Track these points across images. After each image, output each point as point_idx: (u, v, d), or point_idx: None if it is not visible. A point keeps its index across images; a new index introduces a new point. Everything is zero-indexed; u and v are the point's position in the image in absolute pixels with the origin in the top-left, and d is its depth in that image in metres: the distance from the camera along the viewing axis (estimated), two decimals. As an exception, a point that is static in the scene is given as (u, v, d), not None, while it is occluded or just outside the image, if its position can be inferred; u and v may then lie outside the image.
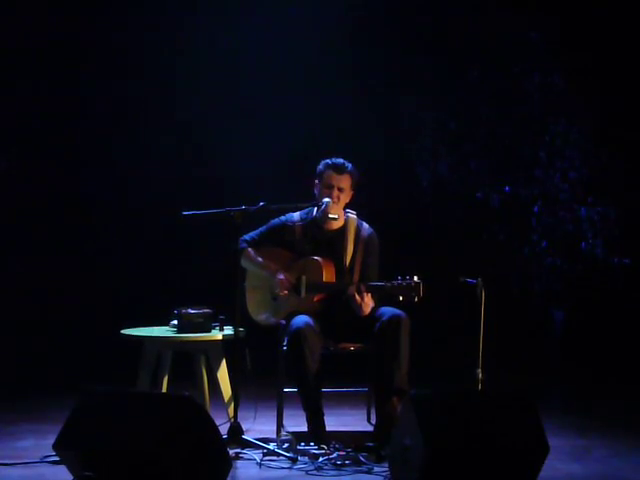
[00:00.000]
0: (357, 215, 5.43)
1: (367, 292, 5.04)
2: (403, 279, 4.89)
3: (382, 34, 7.75)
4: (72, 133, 7.86)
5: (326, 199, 5.24)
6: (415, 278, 4.87)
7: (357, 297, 5.04)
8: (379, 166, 7.65)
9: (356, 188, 5.33)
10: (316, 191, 5.35)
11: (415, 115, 7.80)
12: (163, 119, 7.82)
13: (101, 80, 7.81)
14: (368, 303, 5.07)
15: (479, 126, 7.99)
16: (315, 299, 5.23)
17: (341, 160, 5.32)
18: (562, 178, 7.90)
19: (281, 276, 5.30)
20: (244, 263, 5.41)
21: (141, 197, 7.78)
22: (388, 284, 4.95)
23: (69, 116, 7.84)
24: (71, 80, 7.77)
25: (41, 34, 7.63)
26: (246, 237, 5.43)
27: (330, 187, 5.27)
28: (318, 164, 5.36)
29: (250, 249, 5.42)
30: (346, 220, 5.39)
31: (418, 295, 4.86)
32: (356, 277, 5.27)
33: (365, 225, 5.42)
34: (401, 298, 4.89)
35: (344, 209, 5.38)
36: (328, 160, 5.33)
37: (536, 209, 7.94)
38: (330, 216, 5.28)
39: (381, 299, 5.14)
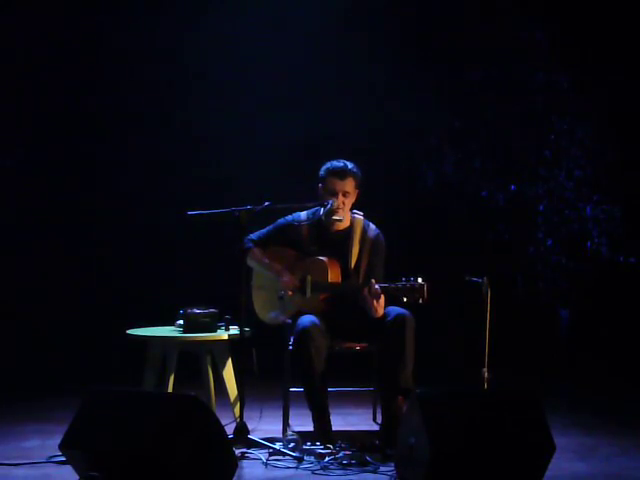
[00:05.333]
0: (363, 216, 5.41)
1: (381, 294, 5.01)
2: (407, 280, 4.87)
3: (385, 33, 7.73)
4: (76, 132, 7.85)
5: (331, 200, 5.24)
6: (419, 280, 4.84)
7: (369, 299, 5.00)
8: (384, 165, 7.64)
9: (361, 187, 5.31)
10: (320, 195, 5.31)
11: (420, 114, 7.79)
12: (168, 120, 7.85)
13: (103, 81, 7.79)
14: (382, 304, 5.01)
15: (484, 125, 7.98)
16: (321, 298, 5.23)
17: (342, 163, 5.27)
18: (567, 177, 7.89)
19: (285, 278, 5.30)
20: (250, 263, 5.40)
21: (146, 196, 7.77)
22: (392, 285, 4.93)
23: (74, 116, 7.84)
24: (73, 81, 7.75)
25: (44, 35, 7.64)
26: (252, 236, 5.41)
27: (334, 194, 5.24)
28: (320, 168, 5.31)
29: (256, 249, 5.41)
30: (352, 221, 5.37)
31: (422, 297, 4.83)
32: (361, 278, 5.25)
33: (372, 226, 5.39)
34: (405, 299, 4.88)
35: (350, 210, 5.36)
36: (329, 165, 5.28)
37: (541, 208, 7.94)
38: (334, 218, 5.26)
39: (386, 299, 5.13)
